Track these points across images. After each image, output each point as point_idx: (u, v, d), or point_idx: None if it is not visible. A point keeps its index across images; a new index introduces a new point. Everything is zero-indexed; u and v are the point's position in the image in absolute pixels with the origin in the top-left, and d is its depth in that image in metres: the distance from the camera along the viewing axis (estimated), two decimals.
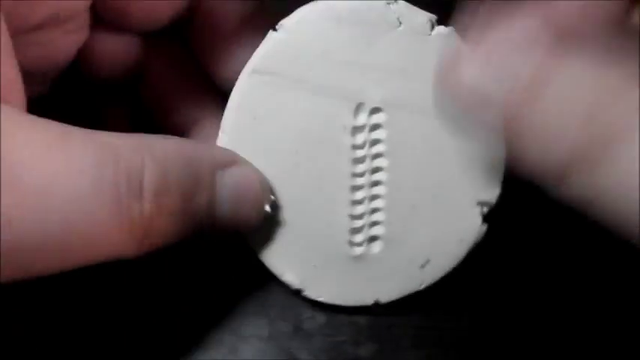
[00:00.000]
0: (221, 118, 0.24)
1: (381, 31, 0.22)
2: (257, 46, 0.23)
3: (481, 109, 0.19)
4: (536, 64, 0.18)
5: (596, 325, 0.26)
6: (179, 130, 0.26)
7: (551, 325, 0.26)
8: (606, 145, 0.18)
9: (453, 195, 0.24)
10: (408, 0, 0.23)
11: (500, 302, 0.27)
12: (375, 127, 0.23)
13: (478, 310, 0.26)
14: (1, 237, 0.18)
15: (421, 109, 0.23)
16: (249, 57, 0.23)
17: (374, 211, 0.24)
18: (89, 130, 0.20)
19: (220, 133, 0.23)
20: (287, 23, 0.23)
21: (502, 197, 0.24)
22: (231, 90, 0.24)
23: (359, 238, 0.24)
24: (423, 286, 0.25)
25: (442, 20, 0.22)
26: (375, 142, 0.23)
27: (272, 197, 0.23)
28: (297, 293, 0.25)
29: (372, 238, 0.24)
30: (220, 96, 0.25)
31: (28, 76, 0.22)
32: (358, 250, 0.24)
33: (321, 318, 0.26)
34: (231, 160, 0.22)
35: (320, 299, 0.25)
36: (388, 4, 0.23)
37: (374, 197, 0.24)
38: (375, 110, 0.23)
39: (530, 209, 0.26)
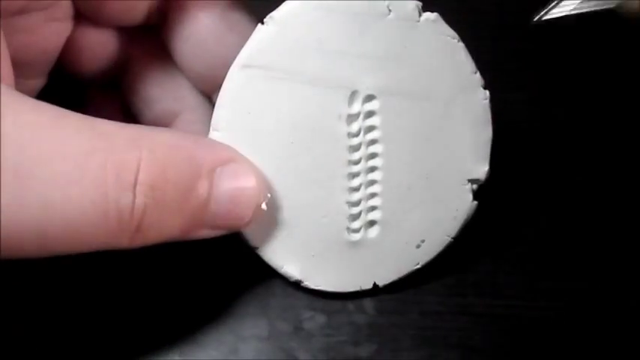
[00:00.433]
0: (200, 113, 0.25)
1: (371, 19, 0.23)
2: (232, 42, 0.24)
3: None
4: None
5: (596, 324, 0.26)
6: (160, 123, 0.26)
7: (551, 325, 0.26)
8: None
9: (445, 175, 0.25)
10: None
11: (500, 302, 0.27)
12: (369, 114, 0.24)
13: (478, 310, 0.26)
14: None
15: (413, 94, 0.24)
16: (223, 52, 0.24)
17: (371, 196, 0.25)
18: (88, 117, 0.20)
19: (212, 130, 0.23)
20: (276, 15, 0.23)
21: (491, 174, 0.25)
22: (203, 87, 0.25)
23: (357, 224, 0.25)
24: (419, 266, 0.25)
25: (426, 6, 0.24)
26: (369, 128, 0.24)
27: (268, 195, 0.23)
28: (297, 285, 0.25)
29: (370, 224, 0.25)
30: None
31: (20, 67, 0.22)
32: (356, 237, 0.25)
33: (321, 318, 0.26)
34: (230, 156, 0.22)
35: (319, 288, 0.25)
36: None
37: (370, 183, 0.25)
38: (368, 98, 0.24)
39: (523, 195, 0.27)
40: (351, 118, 0.24)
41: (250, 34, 0.23)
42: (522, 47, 0.31)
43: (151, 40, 0.26)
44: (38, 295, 0.26)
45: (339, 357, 0.25)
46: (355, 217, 0.25)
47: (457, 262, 0.26)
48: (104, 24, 0.25)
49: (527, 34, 0.32)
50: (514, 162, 0.27)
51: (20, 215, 0.18)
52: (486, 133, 0.24)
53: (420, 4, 0.24)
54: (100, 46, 0.25)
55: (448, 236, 0.25)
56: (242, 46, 0.23)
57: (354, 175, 0.24)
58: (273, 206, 0.24)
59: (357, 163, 0.24)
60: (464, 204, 0.25)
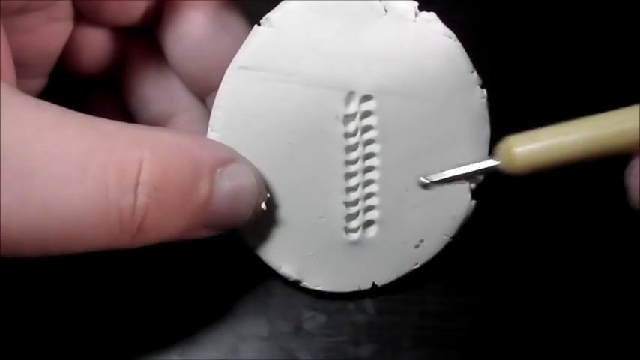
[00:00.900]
0: (195, 114, 0.25)
1: (367, 19, 0.23)
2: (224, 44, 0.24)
3: None
4: None
5: (597, 323, 0.26)
6: (155, 124, 0.26)
7: (551, 324, 0.26)
8: None
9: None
10: None
11: (500, 302, 0.27)
12: (366, 114, 0.24)
13: (478, 310, 0.26)
14: None
15: (410, 93, 0.24)
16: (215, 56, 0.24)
17: (368, 196, 0.25)
18: (90, 117, 0.20)
19: (209, 132, 0.23)
20: (272, 17, 0.23)
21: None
22: (197, 89, 0.25)
23: (354, 224, 0.25)
24: (418, 265, 0.25)
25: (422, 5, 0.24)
26: (366, 128, 0.24)
27: (268, 195, 0.24)
28: (296, 284, 0.25)
29: (368, 223, 0.25)
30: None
31: (22, 67, 0.23)
32: (354, 236, 0.25)
33: (321, 318, 0.26)
34: (230, 156, 0.22)
35: (318, 288, 0.25)
36: None
37: (368, 183, 0.25)
38: (365, 98, 0.24)
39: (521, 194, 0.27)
40: (348, 118, 0.24)
41: (244, 36, 0.23)
42: (520, 45, 0.31)
43: (148, 41, 0.26)
44: (38, 295, 0.26)
45: (339, 357, 0.26)
46: (353, 217, 0.25)
47: (457, 261, 0.26)
48: (102, 24, 0.25)
49: (525, 33, 0.31)
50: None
51: (21, 215, 0.18)
52: (484, 132, 0.24)
53: (416, 3, 0.24)
54: (98, 45, 0.26)
55: (447, 236, 0.25)
56: (236, 47, 0.23)
57: (352, 175, 0.24)
58: (271, 206, 0.24)
59: (354, 163, 0.24)
60: (462, 203, 0.25)
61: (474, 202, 0.25)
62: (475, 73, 0.24)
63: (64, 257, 0.20)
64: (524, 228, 0.28)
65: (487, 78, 0.24)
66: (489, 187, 0.25)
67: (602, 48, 0.31)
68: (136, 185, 0.19)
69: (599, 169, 0.26)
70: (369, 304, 0.26)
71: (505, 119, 0.24)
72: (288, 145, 0.24)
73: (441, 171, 0.24)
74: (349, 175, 0.24)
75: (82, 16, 0.24)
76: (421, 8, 0.24)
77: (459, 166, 0.24)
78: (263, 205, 0.23)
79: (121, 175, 0.19)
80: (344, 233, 0.25)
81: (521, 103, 0.30)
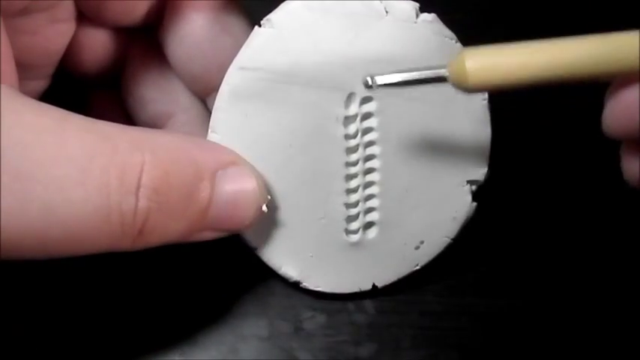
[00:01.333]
0: (194, 115, 0.25)
1: (368, 20, 0.23)
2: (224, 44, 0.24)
3: None
4: None
5: (597, 322, 0.26)
6: (154, 124, 0.26)
7: (550, 324, 0.26)
8: None
9: (443, 176, 0.25)
10: None
11: (500, 302, 0.27)
12: (366, 115, 0.24)
13: (478, 310, 0.26)
14: None
15: (410, 95, 0.24)
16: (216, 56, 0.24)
17: (368, 197, 0.25)
18: (92, 119, 0.20)
19: (210, 132, 0.23)
20: (273, 18, 0.23)
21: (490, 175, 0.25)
22: (197, 89, 0.25)
23: (355, 225, 0.25)
24: (418, 267, 0.25)
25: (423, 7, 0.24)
26: (367, 130, 0.24)
27: (268, 197, 0.23)
28: (296, 285, 0.25)
29: (368, 225, 0.25)
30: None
31: (24, 68, 0.23)
32: (354, 238, 0.25)
33: (321, 318, 0.26)
34: (231, 159, 0.22)
35: (318, 289, 0.25)
36: None
37: (368, 184, 0.25)
38: (365, 99, 0.24)
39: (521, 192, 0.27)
40: (348, 119, 0.24)
41: (245, 36, 0.23)
42: None
43: (148, 42, 0.26)
44: (39, 296, 0.26)
45: (339, 357, 0.26)
46: (353, 218, 0.25)
47: (457, 262, 0.26)
48: (104, 24, 0.25)
49: (525, 34, 0.31)
50: (513, 163, 0.27)
51: (22, 218, 0.18)
52: (485, 134, 0.24)
53: (417, 4, 0.24)
54: (100, 46, 0.26)
55: (447, 237, 0.25)
56: (236, 48, 0.23)
57: (352, 177, 0.24)
58: (272, 208, 0.24)
59: (354, 164, 0.24)
60: (463, 205, 0.25)
61: (474, 203, 0.25)
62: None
63: (65, 258, 0.20)
64: (525, 229, 0.28)
65: None
66: (490, 189, 0.25)
67: None
68: (137, 188, 0.19)
69: (600, 170, 0.26)
70: (369, 304, 0.26)
71: (506, 120, 0.24)
72: (288, 147, 0.24)
73: (442, 174, 0.24)
74: (349, 177, 0.24)
75: (84, 17, 0.24)
76: (422, 9, 0.24)
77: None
78: (264, 207, 0.23)
79: (123, 178, 0.19)
80: (344, 234, 0.25)
81: (522, 104, 0.30)
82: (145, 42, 0.26)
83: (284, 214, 0.24)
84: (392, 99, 0.24)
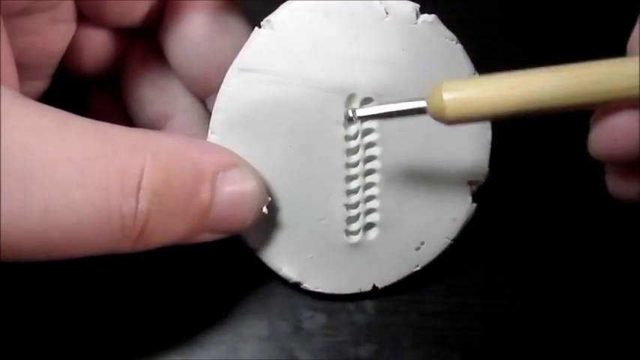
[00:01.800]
0: (193, 116, 0.25)
1: (368, 22, 0.23)
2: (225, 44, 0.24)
3: None
4: None
5: (597, 322, 0.26)
6: (153, 125, 0.26)
7: (551, 324, 0.26)
8: None
9: (443, 177, 0.24)
10: None
11: (500, 302, 0.27)
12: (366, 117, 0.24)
13: (478, 310, 0.27)
14: None
15: (411, 96, 0.24)
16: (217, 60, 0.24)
17: (369, 199, 0.25)
18: (92, 121, 0.20)
19: (210, 134, 0.23)
20: (273, 19, 0.23)
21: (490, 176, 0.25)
22: (197, 90, 0.25)
23: (355, 226, 0.25)
24: (419, 268, 0.25)
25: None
26: (367, 131, 0.24)
27: (269, 198, 0.23)
28: (296, 286, 0.25)
29: (368, 226, 0.25)
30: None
31: (25, 69, 0.22)
32: (354, 239, 0.25)
33: (321, 318, 0.26)
34: (231, 161, 0.22)
35: (318, 290, 0.25)
36: None
37: (368, 186, 0.25)
38: (366, 100, 0.24)
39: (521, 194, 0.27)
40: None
41: (244, 37, 0.23)
42: (520, 47, 0.31)
43: (148, 43, 0.26)
44: (39, 296, 0.26)
45: (339, 357, 0.26)
46: (353, 219, 0.25)
47: (457, 263, 0.26)
48: (104, 25, 0.25)
49: (525, 34, 0.31)
50: (514, 164, 0.27)
51: (22, 219, 0.18)
52: (485, 134, 0.24)
53: (417, 5, 0.23)
54: (100, 46, 0.26)
55: (448, 238, 0.25)
56: (236, 49, 0.23)
57: (352, 178, 0.24)
58: (272, 209, 0.24)
59: (355, 165, 0.24)
60: (463, 206, 0.25)
61: (475, 204, 0.25)
62: (477, 76, 0.24)
63: (65, 259, 0.20)
64: (525, 229, 0.28)
65: None
66: (491, 190, 0.25)
67: (603, 48, 0.31)
68: (138, 190, 0.19)
69: (600, 170, 0.26)
70: (368, 304, 0.26)
71: (506, 122, 0.24)
72: (288, 148, 0.24)
73: (442, 175, 0.24)
74: (350, 178, 0.24)
75: (84, 18, 0.24)
76: (422, 10, 0.24)
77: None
78: (264, 209, 0.23)
79: (123, 180, 0.19)
80: (344, 235, 0.25)
81: None
82: (145, 43, 0.26)
83: (284, 215, 0.24)
84: (392, 100, 0.23)
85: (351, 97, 0.24)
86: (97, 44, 0.25)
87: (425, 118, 0.23)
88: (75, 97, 0.26)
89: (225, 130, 0.23)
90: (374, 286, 0.25)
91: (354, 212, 0.25)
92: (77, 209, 0.19)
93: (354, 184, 0.24)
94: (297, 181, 0.24)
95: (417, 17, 0.23)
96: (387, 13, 0.23)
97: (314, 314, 0.26)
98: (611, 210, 0.27)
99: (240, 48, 0.23)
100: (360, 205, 0.25)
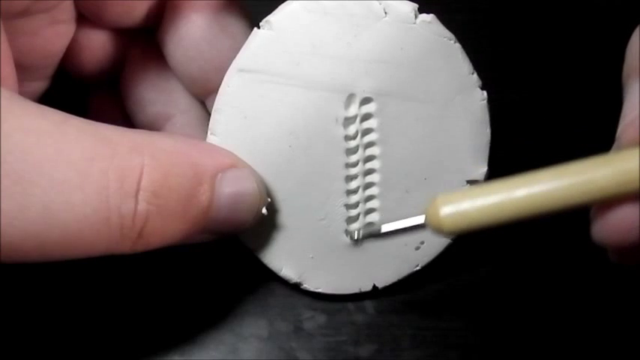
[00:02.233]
0: (193, 116, 0.25)
1: (366, 22, 0.23)
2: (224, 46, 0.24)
3: None
4: None
5: (597, 322, 0.26)
6: (152, 126, 0.26)
7: (551, 324, 0.26)
8: None
9: (443, 176, 0.25)
10: None
11: (500, 302, 0.27)
12: (366, 116, 0.24)
13: (478, 310, 0.27)
14: None
15: (410, 95, 0.24)
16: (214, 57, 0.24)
17: (368, 198, 0.25)
18: (91, 122, 0.20)
19: (209, 135, 0.23)
20: (272, 19, 0.23)
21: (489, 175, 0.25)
22: (197, 90, 0.25)
23: (355, 226, 0.25)
24: (419, 267, 0.25)
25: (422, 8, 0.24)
26: (366, 131, 0.24)
27: (268, 199, 0.24)
28: (296, 287, 0.25)
29: (368, 225, 0.25)
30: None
31: (24, 70, 0.23)
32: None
33: (321, 318, 0.26)
34: (230, 161, 0.22)
35: (318, 290, 0.25)
36: None
37: (368, 185, 0.25)
38: (365, 100, 0.24)
39: None
40: (348, 120, 0.24)
41: (244, 37, 0.23)
42: (520, 47, 0.31)
43: (148, 43, 0.26)
44: (40, 296, 0.26)
45: (339, 357, 0.26)
46: (353, 219, 0.25)
47: (457, 263, 0.26)
48: (104, 25, 0.25)
49: (525, 34, 0.31)
50: (513, 163, 0.27)
51: (21, 221, 0.18)
52: (485, 133, 0.24)
53: (416, 5, 0.23)
54: (99, 47, 0.26)
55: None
56: (235, 49, 0.23)
57: (352, 178, 0.24)
58: (272, 209, 0.24)
59: (354, 165, 0.24)
60: None
61: None
62: (475, 75, 0.24)
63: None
64: (525, 229, 0.27)
65: (487, 80, 0.24)
66: None
67: (603, 49, 0.31)
68: (137, 191, 0.20)
69: None
70: (368, 304, 0.26)
71: (505, 121, 0.25)
72: (288, 148, 0.24)
73: (442, 174, 0.25)
74: (349, 178, 0.24)
75: (83, 18, 0.24)
76: (421, 10, 0.23)
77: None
78: (264, 210, 0.23)
79: (122, 181, 0.19)
80: (344, 235, 0.25)
81: (522, 105, 0.30)
82: (145, 43, 0.26)
83: (284, 215, 0.24)
84: (391, 100, 0.24)
85: (350, 97, 0.24)
86: (97, 45, 0.25)
87: (424, 118, 0.23)
88: (75, 98, 0.26)
89: (224, 131, 0.23)
90: (374, 286, 0.25)
91: (353, 212, 0.25)
92: (76, 210, 0.19)
93: (353, 184, 0.25)
94: (297, 182, 0.24)
95: (416, 17, 0.23)
96: (385, 13, 0.23)
97: (314, 314, 0.26)
98: None
99: (240, 48, 0.23)
100: (360, 204, 0.25)
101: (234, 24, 0.24)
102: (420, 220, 0.20)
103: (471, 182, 0.25)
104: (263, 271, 0.25)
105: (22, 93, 0.22)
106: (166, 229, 0.21)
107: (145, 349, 0.25)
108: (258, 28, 0.23)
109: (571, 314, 0.26)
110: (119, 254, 0.20)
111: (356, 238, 0.23)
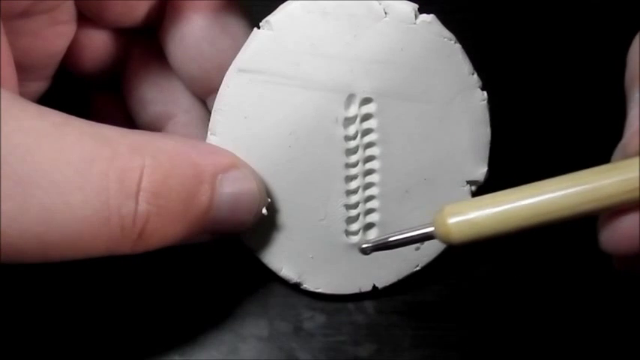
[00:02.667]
0: (194, 115, 0.25)
1: (366, 22, 0.23)
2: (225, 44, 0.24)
3: None
4: None
5: (597, 323, 0.26)
6: (154, 125, 0.26)
7: (551, 325, 0.26)
8: None
9: (443, 176, 0.25)
10: None
11: (500, 302, 0.27)
12: (366, 117, 0.24)
13: (478, 310, 0.27)
14: None
15: (410, 96, 0.24)
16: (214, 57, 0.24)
17: (368, 199, 0.25)
18: (92, 123, 0.20)
19: (209, 135, 0.23)
20: (272, 20, 0.23)
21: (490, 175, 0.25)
22: (197, 90, 0.25)
23: (355, 226, 0.25)
24: (419, 267, 0.25)
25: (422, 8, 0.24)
26: (366, 131, 0.24)
27: (268, 199, 0.24)
28: (296, 287, 0.25)
29: (368, 226, 0.25)
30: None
31: (25, 70, 0.23)
32: (354, 239, 0.25)
33: (321, 318, 0.26)
34: (231, 162, 0.22)
35: (318, 290, 0.25)
36: None
37: (368, 185, 0.25)
38: (365, 100, 0.24)
39: None
40: (348, 121, 0.24)
41: (244, 37, 0.23)
42: (520, 47, 0.31)
43: (149, 43, 0.26)
44: (40, 297, 0.26)
45: (339, 357, 0.26)
46: (353, 219, 0.25)
47: (457, 263, 0.26)
48: (105, 25, 0.25)
49: (525, 35, 0.31)
50: (513, 163, 0.27)
51: (21, 222, 0.18)
52: (485, 134, 0.24)
53: (416, 6, 0.23)
54: (100, 47, 0.26)
55: None
56: (235, 49, 0.23)
57: (352, 178, 0.24)
58: (272, 209, 0.24)
59: (354, 165, 0.24)
60: None
61: None
62: (475, 75, 0.24)
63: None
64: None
65: (487, 80, 0.24)
66: (490, 190, 0.24)
67: (602, 49, 0.31)
68: (137, 192, 0.20)
69: None
70: (368, 304, 0.26)
71: (505, 121, 0.25)
72: (288, 148, 0.24)
73: (442, 174, 0.25)
74: (349, 178, 0.24)
75: (84, 18, 0.24)
76: (421, 10, 0.23)
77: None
78: (264, 210, 0.23)
79: (122, 182, 0.19)
80: (344, 236, 0.25)
81: (522, 105, 0.30)
82: (146, 43, 0.26)
83: (284, 215, 0.24)
84: (391, 100, 0.24)
85: (350, 98, 0.24)
86: (98, 45, 0.25)
87: (424, 118, 0.23)
88: (76, 98, 0.26)
89: (224, 131, 0.23)
90: (374, 286, 0.25)
91: (353, 212, 0.25)
92: (76, 211, 0.19)
93: (353, 184, 0.25)
94: (297, 182, 0.24)
95: (416, 17, 0.23)
96: (385, 13, 0.23)
97: (314, 314, 0.26)
98: None
99: (240, 48, 0.23)
100: (360, 205, 0.25)
101: (234, 24, 0.24)
102: (428, 229, 0.20)
103: (471, 182, 0.25)
104: (263, 271, 0.25)
105: (23, 93, 0.22)
106: (167, 230, 0.21)
107: (145, 349, 0.25)
108: (258, 28, 0.23)
109: (571, 314, 0.26)
110: (119, 255, 0.20)
111: (367, 252, 0.23)
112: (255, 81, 0.23)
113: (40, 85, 0.25)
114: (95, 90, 0.27)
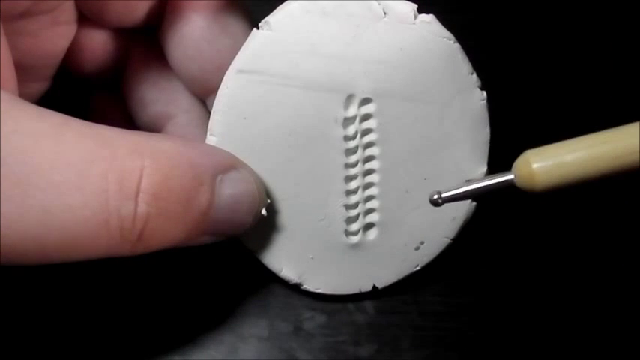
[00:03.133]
0: (194, 116, 0.25)
1: (366, 22, 0.23)
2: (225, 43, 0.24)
3: None
4: None
5: (597, 323, 0.26)
6: (154, 125, 0.26)
7: (551, 324, 0.26)
8: None
9: (443, 176, 0.24)
10: None
11: (500, 302, 0.27)
12: (365, 117, 0.24)
13: (478, 310, 0.27)
14: None
15: (409, 96, 0.24)
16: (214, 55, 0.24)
17: (368, 199, 0.25)
18: (91, 124, 0.20)
19: (209, 135, 0.23)
20: (271, 20, 0.23)
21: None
22: (197, 90, 0.25)
23: (355, 227, 0.25)
24: (418, 267, 0.25)
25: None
26: (366, 131, 0.24)
27: (268, 200, 0.24)
28: (296, 287, 0.25)
29: (368, 226, 0.25)
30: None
31: (25, 71, 0.23)
32: (354, 239, 0.25)
33: (321, 318, 0.26)
34: (230, 163, 0.22)
35: (319, 290, 0.25)
36: None
37: (368, 186, 0.25)
38: (365, 101, 0.24)
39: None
40: (348, 121, 0.24)
41: (244, 38, 0.23)
42: (519, 47, 0.31)
43: (149, 43, 0.26)
44: (40, 297, 0.26)
45: (339, 357, 0.26)
46: (353, 219, 0.25)
47: (457, 263, 0.26)
48: (105, 25, 0.25)
49: (525, 34, 0.31)
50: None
51: (21, 223, 0.18)
52: (484, 133, 0.24)
53: (415, 5, 0.23)
54: (100, 47, 0.26)
55: (447, 238, 0.25)
56: (235, 50, 0.23)
57: (352, 178, 0.24)
58: (271, 210, 0.24)
59: (354, 166, 0.24)
60: (463, 205, 0.25)
61: (474, 203, 0.25)
62: (475, 75, 0.24)
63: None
64: (525, 229, 0.28)
65: (487, 80, 0.24)
66: None
67: (602, 49, 0.31)
68: (137, 193, 0.19)
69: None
70: (368, 304, 0.26)
71: (505, 121, 0.25)
72: (287, 149, 0.24)
73: (442, 174, 0.24)
74: (349, 178, 0.24)
75: (85, 19, 0.24)
76: (420, 10, 0.23)
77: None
78: (263, 211, 0.23)
79: (122, 184, 0.19)
80: (344, 236, 0.25)
81: (521, 105, 0.30)
82: (146, 43, 0.26)
83: (283, 216, 0.24)
84: (391, 100, 0.24)
85: (349, 98, 0.24)
86: (98, 45, 0.25)
87: (424, 118, 0.23)
88: (76, 99, 0.26)
89: (223, 131, 0.23)
90: (374, 286, 0.25)
91: (353, 213, 0.25)
92: (75, 213, 0.19)
93: (353, 185, 0.25)
94: (297, 183, 0.24)
95: (415, 17, 0.23)
96: (384, 13, 0.23)
97: (314, 314, 0.26)
98: (612, 209, 0.27)
99: (240, 49, 0.23)
100: (360, 205, 0.25)
101: (234, 24, 0.24)
102: (508, 177, 0.20)
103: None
104: (263, 272, 0.25)
105: (23, 94, 0.22)
106: (166, 231, 0.21)
107: (145, 349, 0.25)
108: (258, 28, 0.23)
109: (571, 315, 0.26)
110: (119, 256, 0.20)
111: (439, 203, 0.22)
112: (255, 81, 0.23)
113: (40, 86, 0.25)
114: (95, 90, 0.27)
